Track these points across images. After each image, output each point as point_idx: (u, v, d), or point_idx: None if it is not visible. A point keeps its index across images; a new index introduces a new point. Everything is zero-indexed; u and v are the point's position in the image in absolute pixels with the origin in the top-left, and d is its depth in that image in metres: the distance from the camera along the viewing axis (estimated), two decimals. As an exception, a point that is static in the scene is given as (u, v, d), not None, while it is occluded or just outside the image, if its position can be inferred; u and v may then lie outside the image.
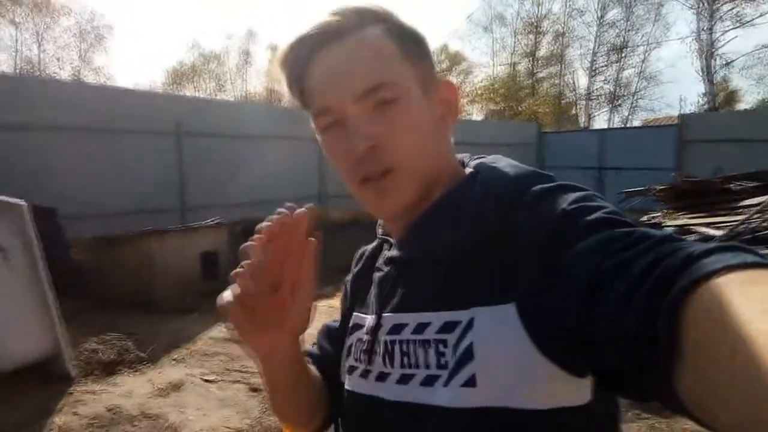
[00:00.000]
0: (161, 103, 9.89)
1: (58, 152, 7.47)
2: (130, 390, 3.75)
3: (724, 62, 24.00)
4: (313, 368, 0.79)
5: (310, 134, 0.69)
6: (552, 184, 0.59)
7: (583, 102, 29.85)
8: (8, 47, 27.00)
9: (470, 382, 0.55)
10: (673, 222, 5.31)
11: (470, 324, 0.56)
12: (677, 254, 0.40)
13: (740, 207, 5.02)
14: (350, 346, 0.73)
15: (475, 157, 0.73)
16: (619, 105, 29.08)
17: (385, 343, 0.65)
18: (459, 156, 0.74)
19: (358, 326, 0.73)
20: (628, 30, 27.69)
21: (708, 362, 0.33)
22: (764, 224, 4.33)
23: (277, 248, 0.54)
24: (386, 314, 0.67)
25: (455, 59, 33.16)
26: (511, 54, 31.40)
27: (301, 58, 0.64)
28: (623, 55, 28.16)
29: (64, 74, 26.91)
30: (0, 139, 6.94)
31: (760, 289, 0.33)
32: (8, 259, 3.59)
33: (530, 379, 0.52)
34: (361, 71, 0.61)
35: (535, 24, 30.13)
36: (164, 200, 8.92)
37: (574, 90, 30.77)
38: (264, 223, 0.54)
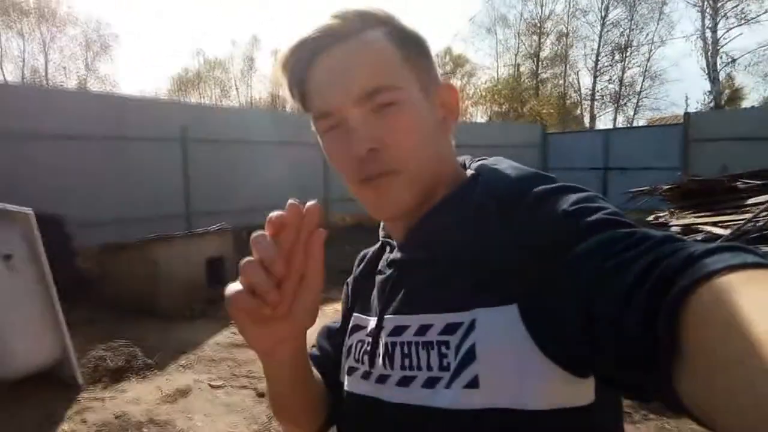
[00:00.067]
0: (166, 109, 9.96)
1: (64, 160, 7.53)
2: (138, 396, 3.76)
3: (728, 60, 23.93)
4: (314, 369, 0.78)
5: (314, 139, 0.69)
6: (553, 185, 0.59)
7: (588, 102, 29.83)
8: (15, 57, 27.29)
9: (473, 384, 0.55)
10: (679, 221, 5.29)
11: (472, 325, 0.56)
12: (678, 254, 0.40)
13: (747, 205, 4.99)
14: (350, 347, 0.73)
15: (477, 158, 0.73)
16: (624, 105, 29.04)
17: (386, 344, 0.65)
18: (460, 158, 0.74)
19: (359, 327, 0.73)
20: (632, 29, 27.74)
21: (708, 362, 0.33)
22: (772, 222, 4.29)
23: (286, 240, 0.52)
24: (388, 316, 0.67)
25: (459, 61, 33.20)
26: (515, 55, 31.48)
27: (302, 61, 0.64)
28: (627, 54, 28.14)
29: (71, 83, 27.20)
30: (6, 148, 7.00)
31: (760, 289, 0.33)
32: (15, 267, 3.61)
33: (533, 379, 0.52)
34: (362, 74, 0.61)
35: (538, 25, 30.17)
36: (170, 206, 8.97)
37: (578, 90, 30.77)
38: (274, 214, 0.52)
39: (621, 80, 28.56)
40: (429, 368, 0.59)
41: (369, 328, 0.70)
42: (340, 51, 0.62)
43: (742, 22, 22.83)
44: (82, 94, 13.04)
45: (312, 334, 0.67)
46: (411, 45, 0.65)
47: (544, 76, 30.82)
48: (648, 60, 28.01)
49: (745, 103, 25.61)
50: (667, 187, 6.31)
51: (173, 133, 9.14)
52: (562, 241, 0.51)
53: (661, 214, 5.88)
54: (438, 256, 0.64)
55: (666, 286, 0.37)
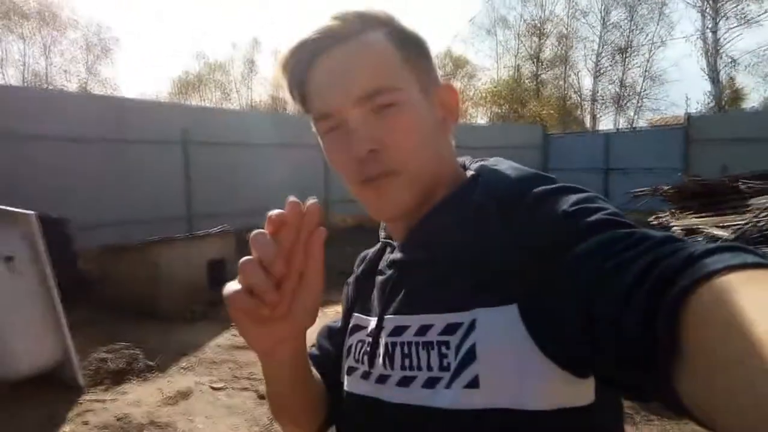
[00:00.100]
0: (168, 112, 9.99)
1: (65, 162, 7.55)
2: (139, 399, 3.76)
3: (729, 60, 23.93)
4: (313, 369, 0.77)
5: (315, 141, 0.69)
6: (553, 186, 0.59)
7: (588, 103, 29.80)
8: (16, 61, 27.34)
9: (473, 384, 0.55)
10: (680, 222, 5.28)
11: (472, 325, 0.56)
12: (677, 254, 0.40)
13: (748, 206, 4.99)
14: (350, 347, 0.73)
15: (477, 159, 0.73)
16: (625, 106, 29.01)
17: (386, 345, 0.65)
18: (460, 159, 0.74)
19: (359, 327, 0.73)
20: (632, 30, 27.69)
21: (708, 362, 0.33)
22: (773, 223, 4.29)
23: (285, 238, 0.51)
24: (388, 316, 0.67)
25: (459, 63, 33.21)
26: (515, 56, 31.44)
27: (303, 63, 0.64)
28: (627, 55, 28.11)
29: (72, 86, 27.20)
30: (8, 149, 7.01)
31: (761, 289, 0.32)
32: (17, 268, 3.61)
33: (533, 379, 0.52)
34: (362, 75, 0.61)
35: (538, 26, 30.14)
36: (171, 209, 8.98)
37: (579, 92, 30.74)
38: (274, 212, 0.51)
39: (621, 81, 28.56)
40: (429, 368, 0.59)
41: (369, 328, 0.70)
42: (340, 52, 0.62)
43: (743, 22, 22.83)
44: (84, 97, 13.06)
45: (312, 334, 0.67)
46: (411, 46, 0.66)
47: (544, 77, 30.81)
48: (648, 61, 28.01)
49: (746, 104, 25.60)
50: (668, 188, 6.31)
51: (174, 135, 9.16)
52: (561, 241, 0.51)
53: (662, 215, 5.88)
54: (438, 257, 0.64)
55: (666, 287, 0.37)
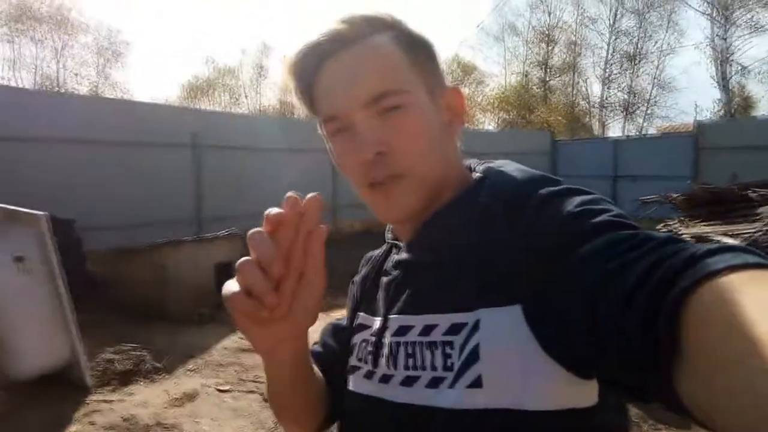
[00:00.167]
0: (177, 116, 10.02)
1: (75, 164, 7.60)
2: (146, 400, 3.77)
3: (739, 68, 23.77)
4: (315, 368, 0.77)
5: (323, 146, 0.70)
6: (559, 188, 0.60)
7: (597, 110, 29.68)
8: (29, 64, 27.63)
9: (476, 383, 0.55)
10: (689, 230, 5.24)
11: (476, 325, 0.56)
12: (679, 255, 0.40)
13: (758, 215, 4.95)
14: (354, 346, 0.74)
15: (483, 162, 0.73)
16: (634, 113, 28.87)
17: (390, 344, 0.66)
18: (467, 161, 0.75)
19: (363, 327, 0.74)
20: (641, 37, 27.58)
21: (708, 362, 0.33)
22: (783, 232, 4.26)
23: (284, 237, 0.49)
24: (392, 316, 0.68)
25: (467, 69, 33.20)
26: (523, 63, 31.39)
27: (310, 66, 0.65)
28: (637, 62, 28.00)
29: (83, 90, 27.41)
30: (20, 152, 7.08)
31: (762, 289, 0.33)
32: (27, 269, 3.64)
33: (536, 380, 0.52)
34: (369, 79, 0.62)
35: (547, 33, 30.08)
36: (180, 211, 9.02)
37: (588, 98, 30.63)
38: (271, 210, 0.50)
39: (630, 89, 28.43)
40: (433, 368, 0.60)
41: (374, 328, 0.71)
42: (348, 56, 0.63)
43: (753, 30, 22.70)
44: (95, 100, 13.19)
45: (314, 333, 0.67)
46: (418, 49, 0.66)
47: (552, 84, 30.74)
48: (658, 68, 27.89)
49: (756, 112, 25.38)
50: (678, 195, 6.27)
51: (184, 139, 9.21)
52: (566, 242, 0.51)
53: (672, 223, 5.84)
54: (444, 258, 0.64)
55: (667, 287, 0.38)
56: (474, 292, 0.58)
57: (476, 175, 0.69)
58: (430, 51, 0.68)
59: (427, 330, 0.61)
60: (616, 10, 27.76)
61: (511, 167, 0.68)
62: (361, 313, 0.77)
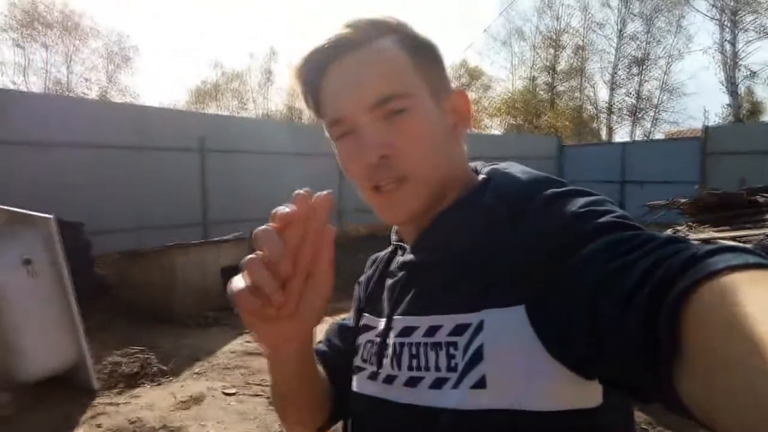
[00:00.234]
0: (185, 120, 10.09)
1: (84, 168, 7.66)
2: (152, 402, 3.78)
3: (748, 73, 23.63)
4: (319, 367, 0.77)
5: (328, 151, 0.70)
6: (563, 189, 0.60)
7: (604, 115, 29.58)
8: (39, 69, 27.90)
9: (480, 384, 0.55)
10: (697, 235, 5.21)
11: (480, 326, 0.57)
12: (679, 255, 0.40)
13: (766, 220, 4.91)
14: (358, 347, 0.74)
15: (489, 164, 0.74)
16: (641, 118, 28.74)
17: (394, 345, 0.66)
18: (473, 164, 0.75)
19: (368, 327, 0.74)
20: (649, 42, 27.48)
21: (709, 362, 0.33)
22: (792, 237, 4.22)
23: (293, 235, 0.49)
24: (397, 317, 0.68)
25: (474, 74, 33.21)
26: (531, 68, 31.36)
27: (316, 70, 0.65)
28: (644, 67, 27.90)
29: (92, 94, 27.64)
30: (29, 156, 7.14)
31: (762, 289, 0.33)
32: (36, 272, 3.67)
33: (540, 380, 0.53)
34: (374, 82, 0.62)
35: (554, 38, 30.05)
36: (187, 215, 9.07)
37: (595, 103, 30.54)
38: (280, 208, 0.49)
39: (638, 93, 28.31)
40: (437, 369, 0.60)
41: (378, 329, 0.71)
42: (353, 59, 0.63)
43: (762, 35, 22.56)
44: (103, 104, 13.28)
45: (318, 332, 0.67)
46: (423, 52, 0.66)
47: (560, 88, 30.67)
48: (665, 73, 27.77)
49: (765, 117, 25.21)
50: (685, 200, 6.23)
51: (191, 143, 9.26)
52: (569, 243, 0.51)
53: (679, 228, 5.80)
54: (448, 259, 0.64)
55: (667, 287, 0.38)
56: (478, 293, 0.58)
57: (481, 176, 0.70)
58: (435, 54, 0.69)
59: (432, 331, 0.62)
60: (624, 15, 27.71)
61: (516, 169, 0.68)
62: (366, 314, 0.77)
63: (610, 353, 0.43)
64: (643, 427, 3.15)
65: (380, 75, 0.63)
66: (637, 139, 26.01)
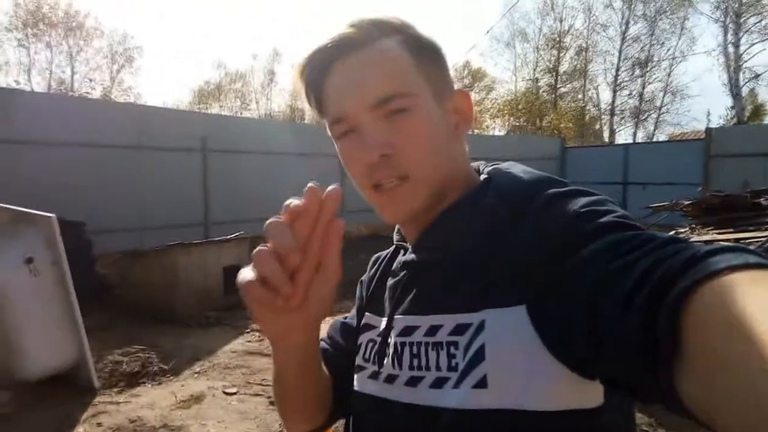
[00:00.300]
0: (187, 120, 10.12)
1: (86, 167, 7.68)
2: (153, 402, 3.79)
3: (751, 75, 23.60)
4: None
5: (331, 151, 0.70)
6: (564, 189, 0.60)
7: (607, 117, 29.55)
8: (43, 69, 28.01)
9: (481, 383, 0.55)
10: (700, 238, 5.20)
11: (481, 326, 0.57)
12: (680, 255, 0.40)
13: (770, 222, 4.89)
14: (360, 346, 0.74)
15: (490, 164, 0.74)
16: (644, 120, 28.72)
17: (395, 345, 0.66)
18: (474, 164, 0.75)
19: (370, 327, 0.74)
20: (653, 44, 27.45)
21: (709, 363, 0.33)
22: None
23: (303, 228, 0.49)
24: (398, 316, 0.68)
25: (477, 76, 33.23)
26: (534, 69, 31.35)
27: (319, 69, 0.66)
28: (647, 69, 27.88)
29: (96, 94, 27.74)
30: (30, 155, 7.16)
31: (763, 289, 0.32)
32: (37, 271, 3.68)
33: (541, 380, 0.52)
34: (376, 81, 0.62)
35: (557, 39, 30.04)
36: (189, 215, 9.09)
37: (598, 105, 30.52)
38: (291, 200, 0.49)
39: (641, 95, 28.29)
40: (438, 368, 0.60)
41: (379, 328, 0.71)
42: (356, 59, 0.63)
43: (765, 37, 22.53)
44: (106, 104, 13.31)
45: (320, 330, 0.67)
46: (425, 52, 0.67)
47: (563, 90, 30.65)
48: (669, 75, 27.75)
49: (768, 119, 25.18)
50: (688, 202, 6.22)
51: (193, 143, 9.28)
52: (570, 243, 0.51)
53: (682, 230, 5.79)
54: (449, 258, 0.64)
55: (667, 287, 0.38)
56: (479, 293, 0.58)
57: (483, 176, 0.70)
58: (438, 54, 0.69)
59: (433, 330, 0.62)
60: (628, 17, 27.69)
61: (518, 169, 0.68)
62: (368, 313, 0.77)
63: (610, 353, 0.43)
64: (644, 428, 3.14)
65: (383, 75, 0.63)
66: (639, 141, 25.99)
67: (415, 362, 0.63)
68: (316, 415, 0.77)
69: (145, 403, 3.77)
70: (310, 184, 0.50)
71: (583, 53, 29.65)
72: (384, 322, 0.70)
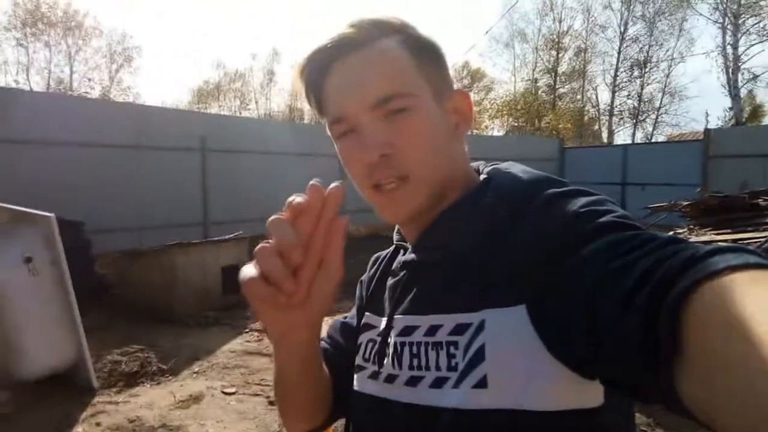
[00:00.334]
0: (186, 119, 10.10)
1: (85, 167, 7.67)
2: (152, 401, 3.78)
3: (750, 76, 23.62)
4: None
5: (330, 151, 0.71)
6: (563, 189, 0.60)
7: (606, 117, 29.57)
8: (42, 68, 27.96)
9: (481, 383, 0.55)
10: (698, 238, 5.20)
11: (481, 326, 0.57)
12: (679, 255, 0.40)
13: (768, 223, 4.90)
14: (360, 346, 0.74)
15: (490, 164, 0.74)
16: (643, 121, 28.73)
17: (395, 344, 0.66)
18: (474, 164, 0.75)
19: (370, 326, 0.74)
20: (651, 45, 27.48)
21: (709, 363, 0.33)
22: (794, 241, 4.21)
23: (305, 225, 0.49)
24: (398, 316, 0.68)
25: (476, 76, 33.23)
26: (533, 70, 31.35)
27: (319, 69, 0.66)
28: (646, 70, 27.90)
29: (94, 94, 27.70)
30: (29, 154, 7.15)
31: (763, 289, 0.33)
32: (36, 270, 3.68)
33: (541, 380, 0.52)
34: (376, 81, 0.62)
35: (556, 40, 30.05)
36: (188, 215, 9.07)
37: (597, 105, 30.53)
38: (294, 197, 0.49)
39: (640, 96, 28.29)
40: (437, 368, 0.60)
41: (379, 328, 0.71)
42: (356, 59, 0.63)
43: (764, 38, 22.55)
44: (105, 103, 13.29)
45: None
46: (425, 53, 0.67)
47: (561, 90, 30.66)
48: (667, 76, 27.76)
49: (766, 120, 25.19)
50: (687, 203, 6.22)
51: (192, 142, 9.27)
52: (569, 243, 0.51)
53: (680, 231, 5.79)
54: (448, 258, 0.64)
55: (667, 287, 0.38)
56: (479, 293, 0.58)
57: (482, 176, 0.70)
58: (438, 54, 0.69)
59: (433, 330, 0.62)
60: (626, 18, 27.71)
61: (517, 168, 0.68)
62: (368, 313, 0.77)
63: (610, 353, 0.43)
64: (643, 428, 3.15)
65: (382, 75, 0.63)
66: (638, 141, 26.00)
67: (415, 362, 0.63)
68: (317, 414, 0.77)
69: (144, 402, 3.76)
70: (312, 181, 0.50)
71: (582, 54, 29.69)
72: (384, 321, 0.70)
